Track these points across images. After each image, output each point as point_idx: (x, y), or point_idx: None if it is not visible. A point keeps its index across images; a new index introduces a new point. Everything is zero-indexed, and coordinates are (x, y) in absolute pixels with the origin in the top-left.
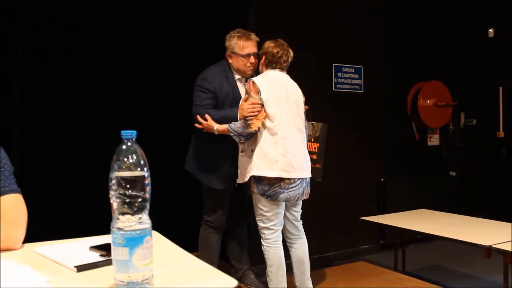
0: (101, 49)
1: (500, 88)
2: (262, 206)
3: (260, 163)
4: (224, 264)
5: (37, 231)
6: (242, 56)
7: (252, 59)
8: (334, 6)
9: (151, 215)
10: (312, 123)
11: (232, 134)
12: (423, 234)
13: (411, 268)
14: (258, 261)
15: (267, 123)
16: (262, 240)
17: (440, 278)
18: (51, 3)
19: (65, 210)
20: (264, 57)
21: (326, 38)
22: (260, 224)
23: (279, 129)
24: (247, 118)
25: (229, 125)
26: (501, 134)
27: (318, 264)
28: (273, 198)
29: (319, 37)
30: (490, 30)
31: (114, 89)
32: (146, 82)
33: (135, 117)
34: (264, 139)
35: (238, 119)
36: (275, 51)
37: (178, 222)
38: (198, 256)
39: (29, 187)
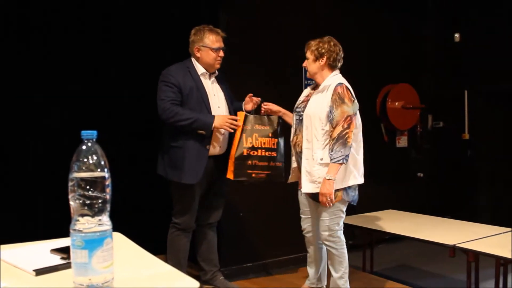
0: (64, 47)
1: (465, 92)
2: (344, 211)
3: (354, 171)
4: (193, 266)
5: None
6: (213, 49)
7: (221, 53)
8: (305, 9)
9: (121, 217)
10: (267, 116)
11: (345, 162)
12: (391, 234)
13: (379, 268)
14: (227, 263)
15: (355, 131)
16: (337, 244)
17: (407, 277)
18: None
19: (26, 212)
20: (326, 57)
21: (297, 40)
22: (336, 227)
23: (360, 136)
24: (343, 135)
25: (336, 162)
26: (466, 136)
27: (289, 265)
28: (355, 203)
29: (289, 39)
30: (456, 35)
31: (78, 88)
32: (111, 81)
33: (101, 117)
34: (354, 147)
35: (212, 127)
36: (337, 49)
37: (148, 224)
38: (166, 258)
39: None
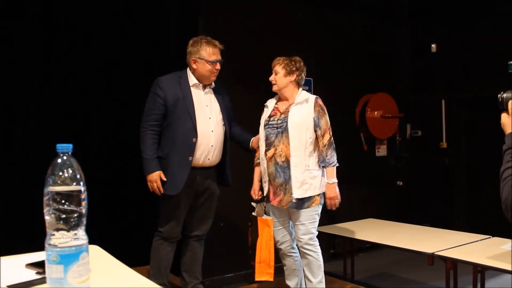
0: (47, 56)
1: (443, 101)
2: (319, 215)
3: (325, 178)
4: (177, 277)
5: None
6: (210, 62)
7: (218, 66)
8: (285, 20)
9: (106, 228)
10: None
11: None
12: (371, 243)
13: (359, 276)
14: (208, 273)
15: None
16: (316, 248)
17: (388, 285)
18: None
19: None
20: (295, 75)
21: (276, 50)
22: (314, 231)
23: None
24: (331, 141)
25: (334, 165)
26: (444, 144)
27: None
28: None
29: (269, 49)
30: (433, 45)
31: (59, 99)
32: (93, 92)
33: (84, 128)
34: None
35: (146, 177)
36: (305, 70)
37: (135, 235)
38: (149, 267)
39: None
